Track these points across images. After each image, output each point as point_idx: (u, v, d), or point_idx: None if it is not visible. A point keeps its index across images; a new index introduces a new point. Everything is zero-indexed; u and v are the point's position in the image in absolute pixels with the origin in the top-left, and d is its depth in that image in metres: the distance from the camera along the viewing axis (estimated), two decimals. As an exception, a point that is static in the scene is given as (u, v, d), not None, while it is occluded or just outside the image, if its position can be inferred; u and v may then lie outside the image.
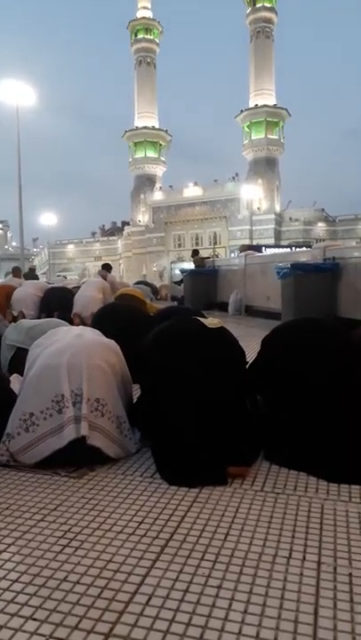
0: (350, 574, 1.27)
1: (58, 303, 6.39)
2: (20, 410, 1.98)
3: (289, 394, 2.07)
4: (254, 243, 36.94)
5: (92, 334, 2.27)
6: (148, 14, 58.52)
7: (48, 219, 48.47)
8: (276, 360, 2.21)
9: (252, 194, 45.58)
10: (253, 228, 45.42)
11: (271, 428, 2.10)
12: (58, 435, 1.91)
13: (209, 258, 13.53)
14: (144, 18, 58.02)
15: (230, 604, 1.17)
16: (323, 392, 1.96)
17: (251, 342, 3.23)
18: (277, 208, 51.01)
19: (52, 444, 1.91)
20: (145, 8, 58.65)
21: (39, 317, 5.93)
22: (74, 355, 2.01)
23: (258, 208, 48.22)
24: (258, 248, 19.81)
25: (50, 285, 7.56)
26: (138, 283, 11.05)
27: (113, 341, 2.26)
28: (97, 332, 2.36)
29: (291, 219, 50.12)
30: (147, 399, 2.10)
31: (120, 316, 3.49)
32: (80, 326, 2.48)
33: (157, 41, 59.01)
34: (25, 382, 2.07)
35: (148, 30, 57.91)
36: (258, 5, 51.74)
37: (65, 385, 1.94)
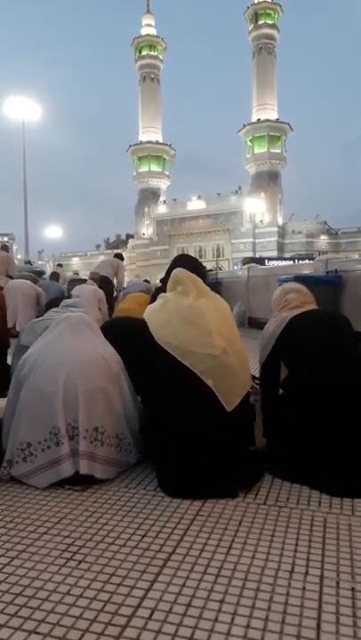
0: (353, 589, 1.27)
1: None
2: (17, 437, 1.96)
3: (295, 395, 2.06)
4: (257, 255, 37.04)
5: (89, 341, 2.17)
6: (152, 31, 59.57)
7: (53, 232, 48.86)
8: (285, 359, 2.19)
9: (255, 207, 45.89)
10: (256, 240, 45.54)
11: (275, 433, 2.10)
12: (55, 468, 1.91)
13: (212, 270, 13.59)
14: (148, 35, 59.07)
15: (233, 619, 1.17)
16: (329, 397, 1.95)
17: (255, 354, 3.24)
18: (280, 221, 51.26)
19: (50, 477, 1.91)
20: (149, 25, 59.72)
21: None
22: (69, 378, 1.96)
23: (261, 221, 48.46)
24: (261, 260, 19.88)
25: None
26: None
27: (110, 347, 2.21)
28: (93, 328, 2.27)
29: (293, 231, 50.28)
30: (149, 405, 2.11)
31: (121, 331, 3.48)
32: (77, 317, 2.29)
33: (161, 57, 59.99)
34: (20, 405, 1.99)
35: (151, 47, 58.91)
36: (260, 22, 52.62)
37: (60, 417, 1.91)
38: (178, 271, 2.26)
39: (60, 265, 19.63)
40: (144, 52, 58.62)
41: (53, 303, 6.86)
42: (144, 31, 59.39)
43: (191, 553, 1.45)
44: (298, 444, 1.98)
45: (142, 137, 58.88)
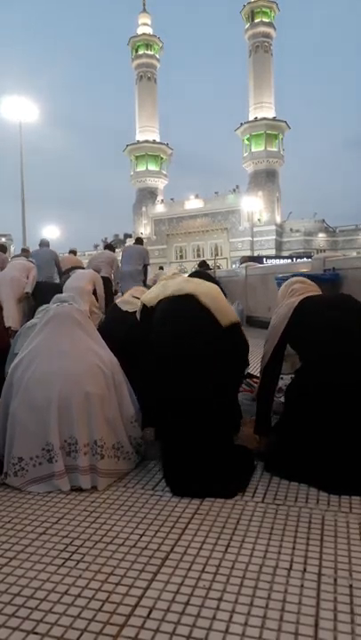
0: (351, 586, 1.27)
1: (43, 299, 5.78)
2: (11, 451, 1.94)
3: (307, 385, 2.02)
4: (255, 254, 37.04)
5: (80, 343, 2.11)
6: (149, 30, 59.50)
7: (51, 232, 48.74)
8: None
9: (253, 206, 45.83)
10: (254, 239, 45.52)
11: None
12: (48, 482, 1.90)
13: (210, 269, 13.58)
14: (144, 34, 58.99)
15: (231, 617, 1.17)
16: (344, 386, 1.90)
17: (253, 353, 3.26)
18: (278, 219, 51.25)
19: (44, 488, 1.90)
20: (145, 24, 59.65)
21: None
22: (62, 391, 1.91)
23: (258, 219, 48.41)
24: (259, 259, 19.91)
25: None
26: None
27: (103, 347, 2.17)
28: (84, 325, 2.21)
29: (291, 230, 50.30)
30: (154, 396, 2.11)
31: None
32: (66, 314, 2.22)
33: (158, 56, 59.92)
34: (12, 417, 1.96)
35: (148, 46, 58.85)
36: (256, 21, 52.57)
37: (55, 433, 1.88)
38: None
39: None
40: (140, 52, 58.54)
41: (47, 288, 6.82)
42: (140, 30, 59.31)
43: (189, 551, 1.45)
44: (307, 439, 1.94)
45: (139, 136, 58.78)
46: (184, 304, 2.12)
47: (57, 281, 7.76)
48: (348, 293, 2.38)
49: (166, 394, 2.00)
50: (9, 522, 1.68)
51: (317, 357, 2.04)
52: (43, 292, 6.21)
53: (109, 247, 9.16)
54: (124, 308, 2.94)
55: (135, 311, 2.56)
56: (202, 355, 1.99)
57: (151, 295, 2.31)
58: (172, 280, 2.34)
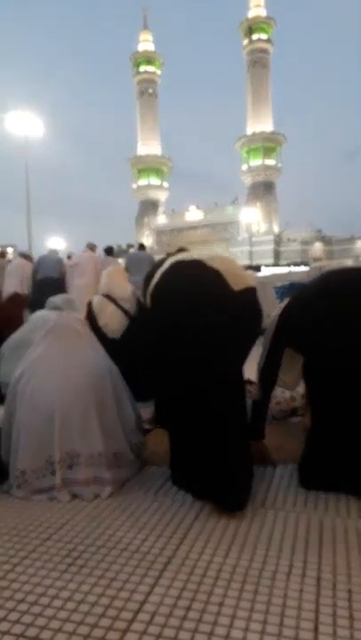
0: (350, 590, 1.29)
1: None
2: (15, 463, 1.96)
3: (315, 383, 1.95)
4: (254, 263, 37.13)
5: (80, 355, 2.12)
6: (150, 47, 60.42)
7: (56, 243, 48.93)
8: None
9: (252, 216, 46.26)
10: (253, 249, 45.72)
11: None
12: (49, 493, 1.92)
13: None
14: (145, 51, 59.89)
15: (232, 622, 1.19)
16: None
17: (253, 360, 3.28)
18: (276, 229, 51.57)
19: (45, 497, 1.92)
20: (146, 41, 60.59)
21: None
22: (64, 405, 1.93)
23: (257, 230, 48.81)
24: (257, 268, 20.06)
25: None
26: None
27: (103, 357, 2.19)
28: (84, 335, 2.21)
29: (289, 239, 50.54)
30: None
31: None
32: (65, 326, 2.22)
33: (158, 72, 60.76)
34: (16, 430, 1.99)
35: (149, 62, 59.71)
36: (254, 37, 53.37)
37: (57, 447, 1.91)
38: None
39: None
40: (142, 68, 59.35)
41: (46, 284, 6.90)
42: (141, 47, 60.20)
43: (191, 556, 1.47)
44: (339, 442, 1.85)
45: (141, 150, 59.35)
46: (189, 269, 1.92)
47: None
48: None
49: (173, 379, 1.87)
50: (14, 528, 1.70)
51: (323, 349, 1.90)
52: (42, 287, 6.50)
53: (109, 252, 9.13)
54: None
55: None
56: (212, 329, 1.78)
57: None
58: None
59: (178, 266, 1.96)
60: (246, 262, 37.97)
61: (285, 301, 2.15)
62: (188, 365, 1.81)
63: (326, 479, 1.88)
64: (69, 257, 9.09)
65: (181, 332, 1.81)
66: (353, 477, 1.84)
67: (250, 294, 1.89)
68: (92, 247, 7.83)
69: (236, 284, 1.83)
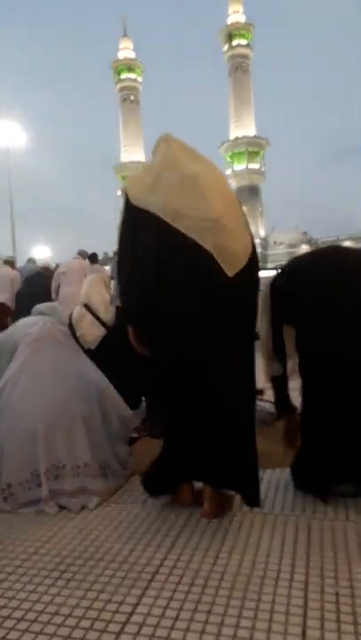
0: (337, 593, 1.30)
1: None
2: (1, 476, 1.94)
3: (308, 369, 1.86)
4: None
5: (65, 365, 2.11)
6: (130, 54, 60.76)
7: (41, 251, 48.66)
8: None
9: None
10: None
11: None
12: (36, 506, 1.89)
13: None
14: (126, 58, 60.21)
15: (220, 630, 1.18)
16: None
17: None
18: (262, 233, 52.01)
19: (32, 510, 1.89)
20: (127, 49, 60.93)
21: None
22: (48, 417, 1.92)
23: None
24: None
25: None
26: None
27: (89, 365, 2.16)
28: (68, 344, 2.21)
29: (275, 242, 51.04)
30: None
31: None
32: (48, 333, 2.23)
33: (140, 79, 61.08)
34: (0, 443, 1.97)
35: (130, 69, 60.03)
36: (234, 43, 53.96)
37: (42, 459, 1.89)
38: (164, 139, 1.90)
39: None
40: (123, 75, 59.69)
41: (31, 280, 6.82)
42: (122, 54, 60.54)
43: (179, 564, 1.47)
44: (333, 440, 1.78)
45: (124, 157, 59.52)
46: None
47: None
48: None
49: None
50: (0, 543, 1.68)
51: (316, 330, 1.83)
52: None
53: (93, 259, 9.02)
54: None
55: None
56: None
57: (139, 188, 1.83)
58: None
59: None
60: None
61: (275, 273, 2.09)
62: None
63: (321, 479, 1.83)
64: (57, 266, 8.97)
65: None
66: (350, 475, 1.80)
67: (246, 275, 1.72)
68: (83, 254, 7.57)
69: (230, 269, 1.67)
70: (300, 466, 1.93)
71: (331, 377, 1.78)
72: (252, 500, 1.72)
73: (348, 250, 2.11)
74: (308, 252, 2.11)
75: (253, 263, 1.78)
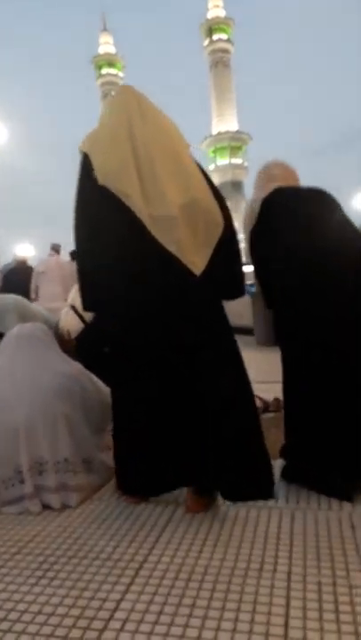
0: (319, 582, 1.31)
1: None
2: None
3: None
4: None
5: (45, 363, 2.08)
6: (111, 49, 60.30)
7: (24, 249, 48.13)
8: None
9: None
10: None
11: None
12: (19, 504, 1.87)
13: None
14: (106, 53, 59.74)
15: (203, 623, 1.18)
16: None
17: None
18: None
19: (17, 509, 1.87)
20: (107, 43, 60.45)
21: None
22: (29, 413, 1.89)
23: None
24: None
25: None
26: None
27: (70, 363, 2.14)
28: (49, 343, 2.18)
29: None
30: None
31: None
32: (29, 333, 2.21)
33: (121, 75, 60.64)
34: None
35: (110, 64, 59.58)
36: (214, 37, 53.82)
37: (24, 455, 1.86)
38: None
39: None
40: (104, 70, 59.22)
41: (8, 278, 6.67)
42: (102, 49, 60.05)
43: (163, 559, 1.46)
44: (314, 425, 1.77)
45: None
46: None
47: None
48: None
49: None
50: (-20, 545, 1.66)
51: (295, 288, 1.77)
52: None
53: (73, 255, 8.80)
54: None
55: None
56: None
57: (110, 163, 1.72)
58: None
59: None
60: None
61: (252, 204, 1.99)
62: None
63: (307, 470, 1.83)
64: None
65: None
66: (336, 466, 1.76)
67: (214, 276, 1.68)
68: (56, 249, 7.20)
69: (196, 268, 1.64)
70: (287, 457, 1.94)
71: (315, 367, 1.76)
72: (265, 492, 1.68)
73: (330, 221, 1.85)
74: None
75: (230, 252, 1.75)
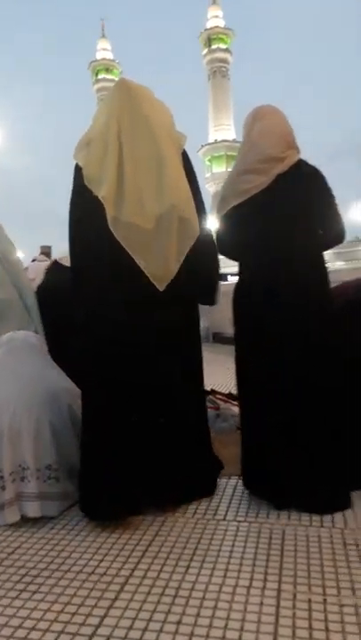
0: (310, 600, 1.28)
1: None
2: None
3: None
4: (222, 270, 37.54)
5: (34, 370, 2.05)
6: (109, 55, 60.76)
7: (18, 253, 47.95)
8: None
9: (216, 224, 46.76)
10: (220, 256, 46.37)
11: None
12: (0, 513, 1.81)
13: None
14: (104, 59, 60.21)
15: (190, 640, 1.15)
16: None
17: (218, 368, 3.24)
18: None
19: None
20: (105, 49, 60.93)
21: None
22: (14, 418, 1.85)
23: (223, 237, 49.52)
24: (223, 276, 20.23)
25: None
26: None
27: (59, 373, 2.12)
28: (40, 351, 2.16)
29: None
30: None
31: None
32: (22, 340, 2.18)
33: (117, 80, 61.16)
34: None
35: (108, 70, 60.02)
36: (213, 47, 54.35)
37: (7, 461, 1.81)
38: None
39: None
40: (101, 76, 59.64)
41: None
42: (100, 55, 60.50)
43: (149, 574, 1.42)
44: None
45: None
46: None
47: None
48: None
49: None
50: None
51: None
52: None
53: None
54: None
55: None
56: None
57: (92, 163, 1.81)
58: None
59: None
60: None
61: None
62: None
63: (264, 485, 1.83)
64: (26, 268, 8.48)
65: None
66: (294, 487, 1.76)
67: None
68: (46, 251, 7.11)
69: (160, 283, 1.70)
70: (246, 472, 1.92)
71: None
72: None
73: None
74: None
75: (204, 262, 1.88)
